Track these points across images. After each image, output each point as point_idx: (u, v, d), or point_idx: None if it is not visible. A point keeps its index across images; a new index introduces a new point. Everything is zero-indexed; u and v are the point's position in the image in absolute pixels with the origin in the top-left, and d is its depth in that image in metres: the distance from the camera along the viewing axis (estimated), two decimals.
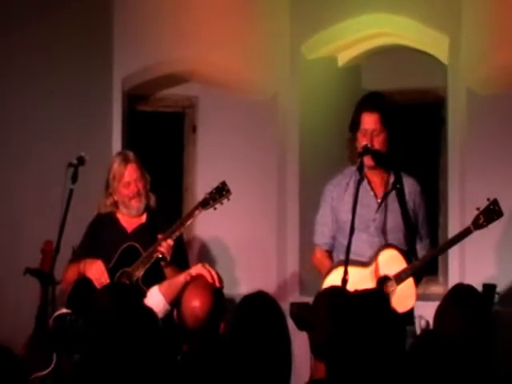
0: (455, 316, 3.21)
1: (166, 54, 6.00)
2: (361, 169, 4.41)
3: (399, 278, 4.34)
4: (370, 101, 4.53)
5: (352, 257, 4.40)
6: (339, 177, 4.61)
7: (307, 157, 6.16)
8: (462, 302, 3.26)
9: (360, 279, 4.36)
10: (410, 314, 4.39)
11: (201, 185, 6.20)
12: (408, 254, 4.41)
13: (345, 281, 4.20)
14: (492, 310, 3.95)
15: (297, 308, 3.98)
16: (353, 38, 6.13)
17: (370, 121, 4.44)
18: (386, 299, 3.12)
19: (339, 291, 3.59)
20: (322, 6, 5.98)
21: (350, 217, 4.39)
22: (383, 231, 4.44)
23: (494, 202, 4.30)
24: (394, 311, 3.11)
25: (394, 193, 4.46)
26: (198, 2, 5.99)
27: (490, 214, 4.29)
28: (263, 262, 6.13)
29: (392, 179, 4.48)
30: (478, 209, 4.32)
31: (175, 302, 3.84)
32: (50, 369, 4.44)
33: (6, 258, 5.37)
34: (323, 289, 3.58)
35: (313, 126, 6.18)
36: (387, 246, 4.43)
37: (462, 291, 3.35)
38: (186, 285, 3.71)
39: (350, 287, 4.16)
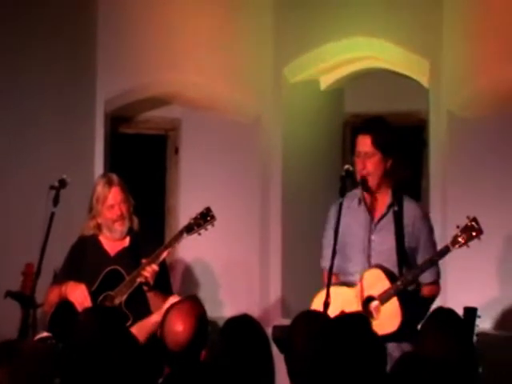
0: (436, 339, 3.22)
1: (148, 77, 6.02)
2: (343, 192, 4.42)
3: (383, 298, 4.34)
4: (365, 124, 4.58)
5: (348, 278, 4.43)
6: (341, 199, 4.62)
7: (290, 179, 6.18)
8: (443, 325, 3.27)
9: (346, 300, 4.38)
10: (414, 331, 4.37)
11: (183, 207, 6.20)
12: (396, 276, 4.40)
13: (327, 303, 4.20)
14: (473, 333, 3.96)
15: (279, 331, 3.98)
16: (335, 62, 6.17)
17: (362, 143, 4.48)
18: (366, 323, 3.12)
19: (315, 315, 3.58)
20: (304, 30, 6.02)
21: (351, 239, 4.42)
22: (380, 252, 4.45)
23: (474, 220, 4.30)
24: (374, 334, 3.10)
25: (391, 215, 4.47)
26: (180, 25, 6.01)
27: (470, 231, 4.29)
28: (246, 284, 6.12)
29: (389, 201, 4.49)
30: (458, 227, 4.33)
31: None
32: None
33: None
34: (299, 313, 3.57)
35: (295, 149, 6.21)
36: (373, 265, 4.44)
37: (442, 315, 3.36)
38: (168, 309, 3.69)
39: (337, 308, 4.20)
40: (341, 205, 4.40)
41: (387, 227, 4.47)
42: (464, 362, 3.18)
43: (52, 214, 4.59)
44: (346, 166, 4.47)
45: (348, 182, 4.49)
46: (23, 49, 5.64)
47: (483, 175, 5.72)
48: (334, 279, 4.53)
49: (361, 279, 4.40)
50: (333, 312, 4.00)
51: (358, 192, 4.54)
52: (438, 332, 3.25)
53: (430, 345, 3.23)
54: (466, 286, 5.48)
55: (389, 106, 6.11)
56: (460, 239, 4.30)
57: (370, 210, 4.52)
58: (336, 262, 4.52)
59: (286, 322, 4.45)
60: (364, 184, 4.47)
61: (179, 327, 3.32)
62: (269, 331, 3.59)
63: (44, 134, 5.71)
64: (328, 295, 4.21)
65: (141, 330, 4.12)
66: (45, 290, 4.74)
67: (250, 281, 6.12)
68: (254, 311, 5.77)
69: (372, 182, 4.47)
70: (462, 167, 5.74)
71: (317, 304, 4.37)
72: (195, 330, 3.31)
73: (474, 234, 4.28)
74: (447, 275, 5.40)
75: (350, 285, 4.44)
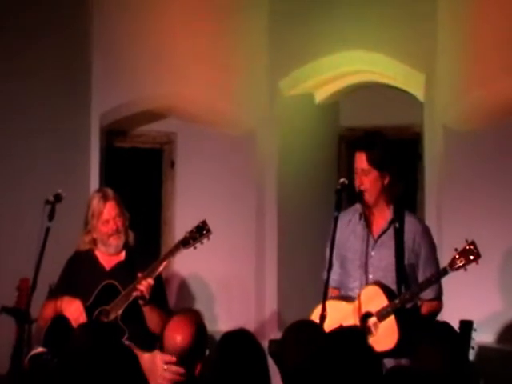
0: (431, 352, 3.22)
1: (144, 91, 6.02)
2: (338, 206, 4.42)
3: (381, 314, 4.34)
4: (361, 140, 4.59)
5: (348, 293, 4.44)
6: (344, 212, 4.62)
7: (285, 192, 6.18)
8: (438, 338, 3.26)
9: (345, 315, 4.37)
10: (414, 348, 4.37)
11: (179, 220, 6.20)
12: (395, 293, 4.39)
13: (323, 316, 4.20)
14: (469, 346, 3.96)
15: (275, 345, 3.97)
16: (330, 75, 6.19)
17: (359, 160, 4.49)
18: (361, 336, 3.12)
19: (306, 324, 3.58)
20: (299, 44, 6.04)
21: (350, 254, 4.43)
22: (378, 268, 4.45)
23: (472, 243, 4.30)
24: (369, 348, 3.10)
25: (392, 231, 4.47)
26: (175, 39, 6.02)
27: (468, 254, 4.29)
28: (242, 298, 6.11)
29: (390, 217, 4.49)
30: (456, 249, 4.32)
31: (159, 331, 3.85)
32: None
33: None
34: (292, 323, 3.57)
35: (291, 162, 6.21)
36: (372, 282, 4.44)
37: (438, 328, 3.36)
38: (171, 317, 3.69)
39: (335, 322, 4.17)
40: (336, 218, 4.40)
41: (387, 243, 4.46)
42: (459, 376, 3.18)
43: (47, 229, 4.58)
44: (342, 180, 4.48)
45: (344, 195, 4.50)
46: (18, 63, 5.64)
47: (478, 188, 5.73)
48: (335, 293, 4.54)
49: (359, 295, 4.40)
50: (330, 326, 4.00)
51: (359, 207, 4.55)
52: (432, 345, 3.25)
53: (425, 358, 3.22)
54: (464, 300, 5.48)
55: (384, 120, 6.13)
56: (458, 262, 4.29)
57: (370, 226, 4.52)
58: (338, 277, 4.54)
59: None
60: (360, 197, 4.47)
61: (179, 334, 3.35)
62: (265, 345, 3.58)
63: (39, 148, 5.71)
64: (324, 308, 4.21)
65: None
66: (40, 305, 4.72)
67: (246, 295, 6.12)
68: (250, 325, 5.77)
69: (369, 197, 4.47)
70: (456, 180, 5.75)
71: (315, 317, 4.38)
72: (194, 340, 3.34)
73: (472, 257, 4.28)
74: (445, 288, 5.40)
75: (348, 299, 4.44)
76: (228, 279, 6.14)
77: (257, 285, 6.13)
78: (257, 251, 6.16)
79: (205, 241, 4.63)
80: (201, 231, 4.64)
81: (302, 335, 3.35)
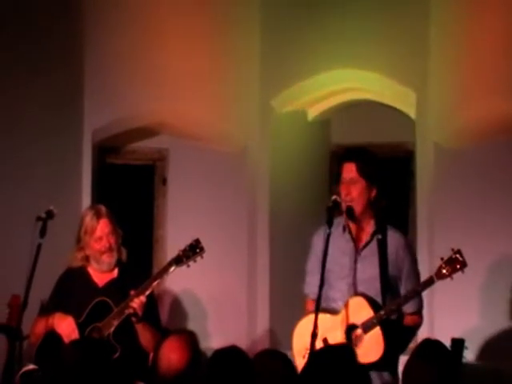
0: (423, 371, 3.22)
1: (136, 107, 6.03)
2: (330, 223, 4.43)
3: (366, 326, 4.35)
4: (349, 152, 4.64)
5: (330, 304, 4.44)
6: (324, 226, 4.64)
7: (277, 209, 6.19)
8: (430, 357, 3.26)
9: (329, 327, 4.38)
10: (395, 360, 4.38)
11: (171, 237, 6.19)
12: (379, 304, 4.41)
13: (314, 334, 4.20)
14: (461, 365, 3.96)
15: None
16: (322, 93, 6.21)
17: (347, 170, 4.52)
18: (351, 354, 3.12)
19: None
20: (291, 61, 6.06)
21: (333, 267, 4.44)
22: (362, 281, 4.46)
23: (458, 252, 4.31)
24: (359, 366, 3.10)
25: (375, 244, 4.49)
26: (168, 56, 6.04)
27: (454, 263, 4.30)
28: (234, 315, 6.11)
29: (372, 230, 4.51)
30: (442, 259, 4.34)
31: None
32: None
33: None
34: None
35: (283, 179, 6.22)
36: (356, 293, 4.45)
37: (429, 346, 3.36)
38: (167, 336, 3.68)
39: (320, 335, 4.21)
40: (329, 235, 4.41)
41: (371, 256, 4.48)
42: None
43: (39, 245, 4.57)
44: (334, 197, 4.49)
45: (335, 212, 4.51)
46: (10, 80, 5.65)
47: (469, 205, 5.75)
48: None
49: (345, 306, 4.40)
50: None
51: (341, 220, 4.56)
52: (425, 364, 3.25)
53: (418, 377, 3.22)
54: (453, 315, 5.48)
55: (376, 137, 6.15)
56: (444, 271, 4.31)
57: (354, 238, 4.53)
58: (318, 289, 4.54)
59: None
60: (350, 213, 4.48)
61: (174, 355, 3.35)
62: None
63: (31, 164, 5.70)
64: (316, 326, 4.21)
65: None
66: (31, 322, 4.71)
67: (238, 311, 6.11)
68: (242, 342, 5.74)
69: (356, 208, 4.49)
70: (448, 197, 5.77)
71: (300, 330, 4.39)
72: (189, 361, 3.33)
73: (458, 266, 4.29)
74: (434, 304, 5.41)
75: (332, 312, 4.45)
76: (220, 296, 6.13)
77: (249, 301, 6.13)
78: (248, 268, 6.16)
79: (198, 259, 4.63)
80: (194, 249, 4.64)
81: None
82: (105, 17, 5.92)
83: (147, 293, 4.56)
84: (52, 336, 4.62)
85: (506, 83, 5.40)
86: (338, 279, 4.47)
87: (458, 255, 4.29)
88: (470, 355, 4.57)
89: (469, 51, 5.59)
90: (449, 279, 4.32)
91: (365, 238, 4.52)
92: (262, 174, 6.17)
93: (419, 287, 4.37)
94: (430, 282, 4.34)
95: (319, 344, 4.28)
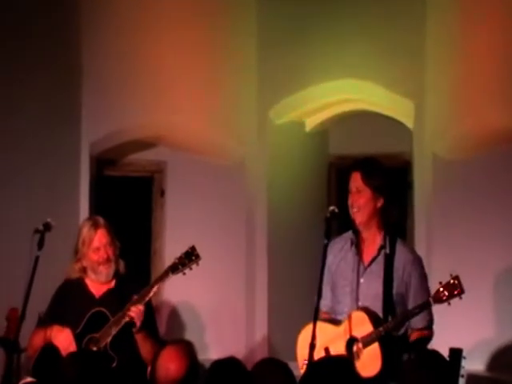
0: (420, 380, 3.21)
1: (134, 119, 6.04)
2: (328, 234, 4.42)
3: (366, 341, 4.34)
4: (356, 162, 4.63)
5: (338, 318, 4.43)
6: (337, 239, 4.64)
7: (275, 220, 6.19)
8: (427, 366, 3.26)
9: (331, 338, 4.37)
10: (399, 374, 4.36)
11: (169, 249, 6.19)
12: (381, 320, 4.39)
13: (312, 345, 4.19)
14: (459, 375, 3.95)
15: None
16: (320, 104, 6.22)
17: (353, 179, 4.52)
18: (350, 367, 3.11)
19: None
20: (289, 72, 6.08)
21: (340, 281, 4.45)
22: (367, 296, 4.45)
23: (456, 278, 4.27)
24: (354, 377, 3.09)
25: (382, 258, 4.47)
26: (165, 68, 6.05)
27: (452, 289, 4.27)
28: (232, 326, 6.10)
29: (380, 244, 4.50)
30: (440, 283, 4.30)
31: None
32: None
33: None
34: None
35: (281, 190, 6.23)
36: (359, 307, 4.44)
37: (426, 356, 3.35)
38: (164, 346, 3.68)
39: (320, 345, 4.20)
40: (325, 246, 4.39)
41: (377, 271, 4.45)
42: None
43: (37, 258, 4.56)
44: (331, 208, 4.47)
45: (334, 223, 4.50)
46: (9, 92, 5.66)
47: (467, 216, 5.76)
48: (325, 319, 4.54)
49: (348, 319, 4.40)
50: (316, 348, 4.03)
51: (351, 234, 4.56)
52: (422, 373, 3.25)
53: None
54: (454, 328, 5.47)
55: (373, 148, 6.15)
56: (442, 296, 4.28)
57: (361, 253, 4.52)
58: (329, 302, 4.56)
59: None
60: (354, 223, 4.48)
61: (171, 365, 3.34)
62: None
63: (29, 176, 5.71)
64: (314, 337, 4.20)
65: None
66: (29, 335, 4.70)
67: (236, 322, 6.10)
68: (241, 353, 5.75)
69: (361, 217, 4.47)
70: (446, 208, 5.77)
71: (303, 339, 4.37)
72: (187, 371, 3.33)
73: (455, 292, 4.26)
74: (434, 316, 5.40)
75: (335, 322, 4.45)
76: (218, 307, 6.12)
77: (247, 312, 6.12)
78: (247, 279, 6.15)
79: (194, 266, 4.62)
80: (190, 257, 4.63)
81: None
82: (102, 30, 5.94)
83: (144, 301, 4.55)
84: (50, 348, 4.60)
85: (503, 94, 5.41)
86: (344, 294, 4.47)
87: (455, 281, 4.25)
88: (471, 365, 4.54)
89: (465, 62, 5.60)
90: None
91: (372, 252, 4.50)
92: (260, 185, 6.18)
93: (416, 309, 4.33)
94: (426, 305, 4.30)
95: (321, 353, 4.28)
